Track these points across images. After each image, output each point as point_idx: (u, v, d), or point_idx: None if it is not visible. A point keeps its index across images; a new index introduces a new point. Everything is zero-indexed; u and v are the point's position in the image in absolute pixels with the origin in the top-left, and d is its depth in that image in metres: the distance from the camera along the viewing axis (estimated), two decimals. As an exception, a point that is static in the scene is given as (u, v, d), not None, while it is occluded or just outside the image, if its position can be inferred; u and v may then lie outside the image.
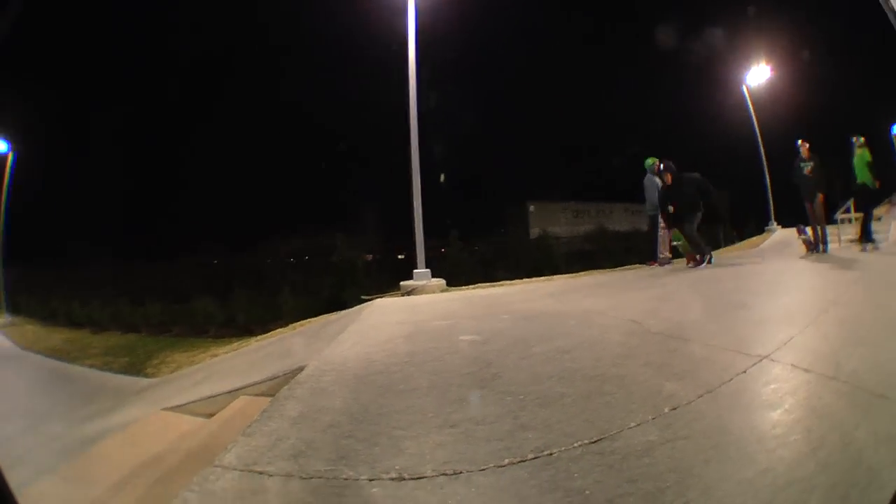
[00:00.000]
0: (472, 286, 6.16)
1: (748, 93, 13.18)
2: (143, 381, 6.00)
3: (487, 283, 6.75)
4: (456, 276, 8.22)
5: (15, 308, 14.80)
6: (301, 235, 20.08)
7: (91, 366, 7.53)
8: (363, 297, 5.63)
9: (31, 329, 12.90)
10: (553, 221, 17.54)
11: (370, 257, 16.10)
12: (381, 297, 5.17)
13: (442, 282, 5.56)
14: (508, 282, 6.81)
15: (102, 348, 9.23)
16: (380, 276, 10.88)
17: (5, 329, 12.52)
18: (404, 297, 4.93)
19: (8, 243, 14.18)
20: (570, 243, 15.93)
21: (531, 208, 17.88)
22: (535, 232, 16.60)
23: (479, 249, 14.94)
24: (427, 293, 5.13)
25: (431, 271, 5.62)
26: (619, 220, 18.01)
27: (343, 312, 4.80)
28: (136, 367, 6.99)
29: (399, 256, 15.18)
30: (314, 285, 10.51)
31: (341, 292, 8.44)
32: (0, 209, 12.52)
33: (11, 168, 12.40)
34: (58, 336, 11.46)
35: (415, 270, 5.53)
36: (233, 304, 10.12)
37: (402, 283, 5.55)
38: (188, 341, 9.06)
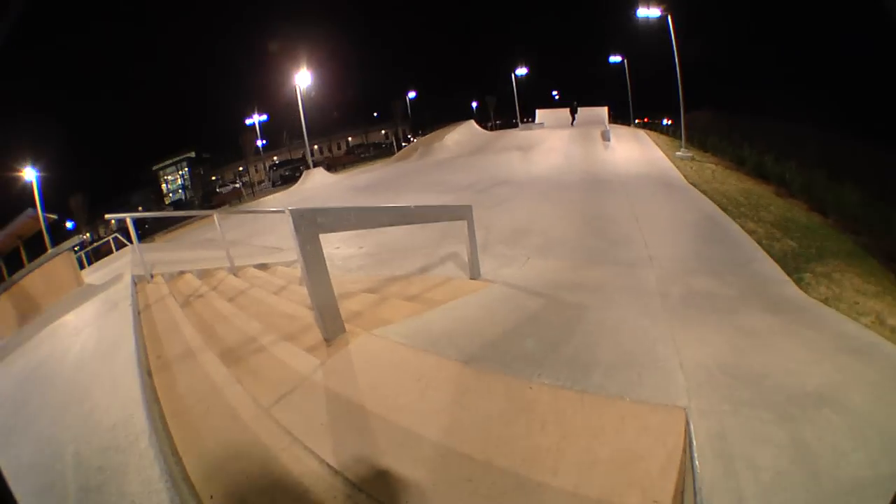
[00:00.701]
0: None
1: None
2: (790, 289, 4.74)
3: None
4: None
5: (701, 145, 16.88)
6: None
7: (749, 231, 6.90)
8: None
9: (711, 168, 13.71)
10: None
11: None
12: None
13: None
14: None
15: (777, 216, 8.33)
16: None
17: (683, 160, 14.24)
18: None
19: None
20: None
21: None
22: None
23: None
24: None
25: None
26: None
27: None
28: (793, 262, 5.65)
29: None
30: None
31: None
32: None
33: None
34: (736, 183, 11.62)
35: None
36: None
37: None
38: (871, 262, 6.13)
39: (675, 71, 15.40)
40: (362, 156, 35.29)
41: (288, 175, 30.22)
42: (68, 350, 3.61)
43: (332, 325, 2.73)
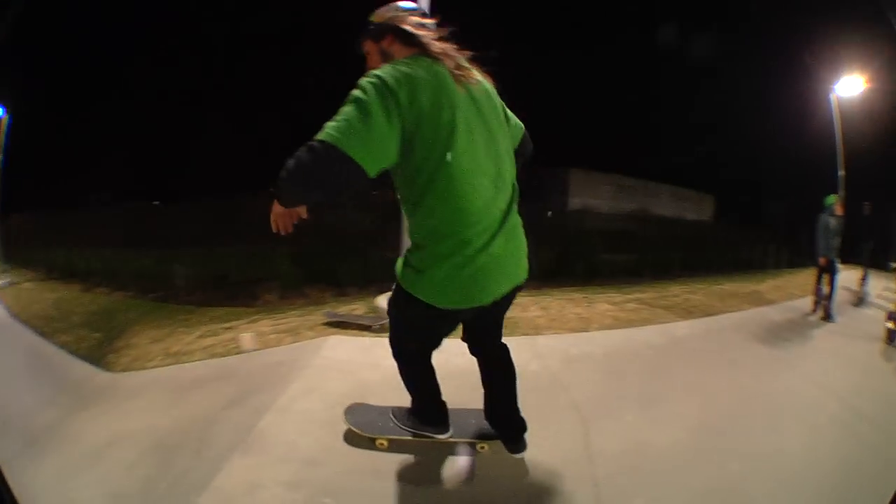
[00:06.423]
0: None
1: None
2: (99, 377, 4.97)
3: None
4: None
5: (22, 261, 13.82)
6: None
7: (63, 344, 6.57)
8: (332, 311, 4.47)
9: (28, 288, 11.91)
10: (594, 194, 14.61)
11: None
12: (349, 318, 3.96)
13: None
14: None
15: (84, 314, 8.27)
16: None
17: (4, 289, 11.46)
18: (367, 340, 3.58)
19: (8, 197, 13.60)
20: (609, 221, 13.59)
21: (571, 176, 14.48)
22: (575, 203, 14.00)
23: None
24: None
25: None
26: (665, 204, 14.85)
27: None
28: (100, 350, 5.84)
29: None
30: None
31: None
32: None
33: (7, 129, 12.19)
34: (50, 296, 10.52)
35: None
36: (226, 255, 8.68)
37: (377, 299, 4.01)
38: (169, 308, 7.43)
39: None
40: None
41: None
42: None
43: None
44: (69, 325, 7.82)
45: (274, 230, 1.52)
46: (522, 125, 1.74)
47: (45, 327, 7.77)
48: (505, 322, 3.32)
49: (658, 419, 2.19)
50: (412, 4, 1.62)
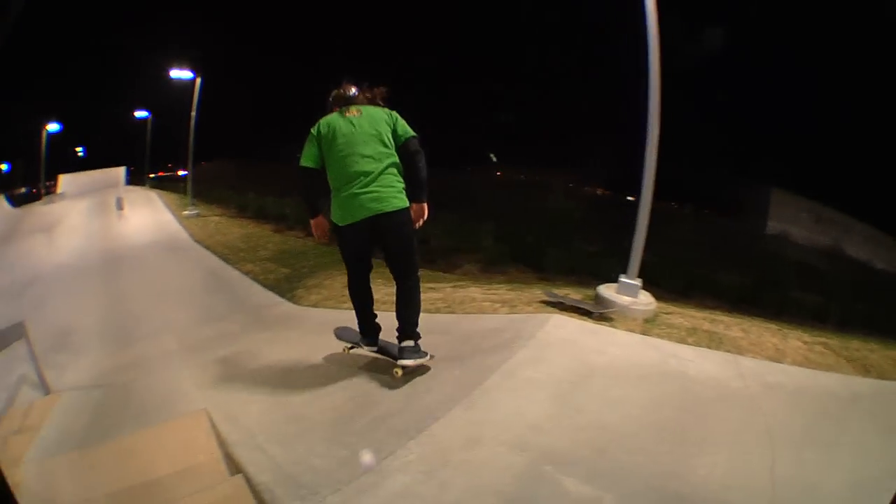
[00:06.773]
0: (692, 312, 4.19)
1: None
2: (284, 307, 5.51)
3: (712, 313, 4.55)
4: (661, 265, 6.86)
5: (211, 198, 16.37)
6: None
7: (248, 272, 7.41)
8: (551, 291, 4.35)
9: (216, 220, 13.54)
10: (793, 220, 13.45)
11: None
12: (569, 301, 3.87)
13: (651, 302, 3.87)
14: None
15: (274, 252, 9.09)
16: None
17: (190, 218, 13.54)
18: (590, 325, 3.49)
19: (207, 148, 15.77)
20: (804, 253, 12.51)
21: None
22: (774, 227, 13.10)
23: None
24: (622, 325, 3.52)
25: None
26: (858, 245, 13.06)
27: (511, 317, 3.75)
28: (288, 284, 6.46)
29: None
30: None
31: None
32: (191, 123, 14.32)
33: (200, 89, 14.32)
34: (239, 231, 11.79)
35: (622, 277, 3.91)
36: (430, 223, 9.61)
37: (599, 288, 3.94)
38: None
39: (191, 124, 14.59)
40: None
41: None
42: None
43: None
44: (256, 257, 8.54)
45: (316, 238, 2.96)
46: (411, 134, 2.77)
47: (231, 256, 8.69)
48: (710, 336, 3.60)
49: (830, 466, 2.16)
50: (347, 86, 2.91)
